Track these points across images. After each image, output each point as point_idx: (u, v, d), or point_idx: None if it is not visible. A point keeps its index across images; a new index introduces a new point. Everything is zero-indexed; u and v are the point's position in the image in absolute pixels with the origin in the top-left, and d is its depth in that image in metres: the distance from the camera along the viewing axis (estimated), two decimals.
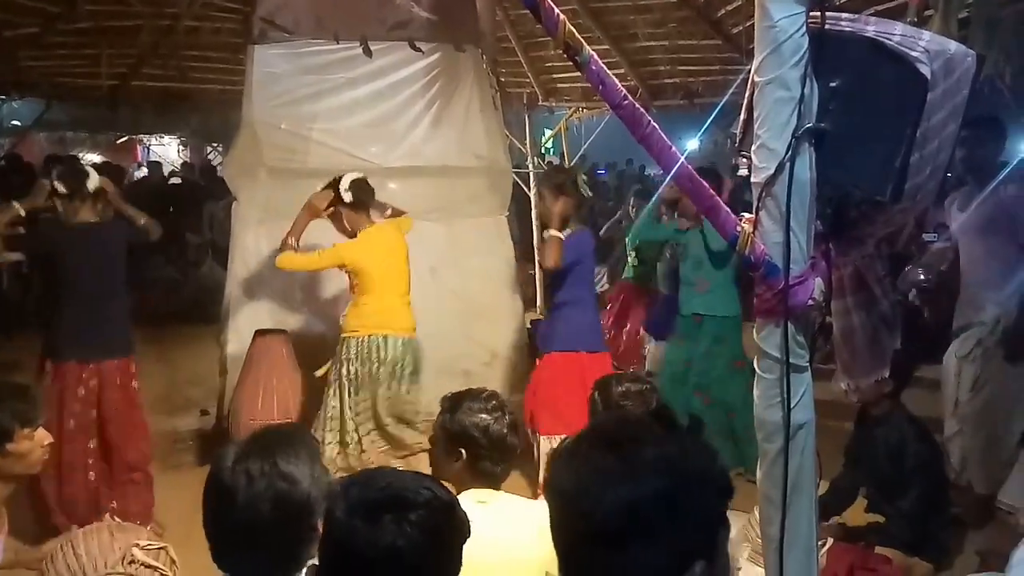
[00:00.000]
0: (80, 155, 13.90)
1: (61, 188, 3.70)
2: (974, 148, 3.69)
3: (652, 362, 5.64)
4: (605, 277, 8.66)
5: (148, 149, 15.68)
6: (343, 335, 4.27)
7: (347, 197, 4.18)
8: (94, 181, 3.77)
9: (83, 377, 3.70)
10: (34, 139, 12.05)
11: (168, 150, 15.75)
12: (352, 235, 4.28)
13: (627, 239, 5.86)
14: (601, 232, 7.11)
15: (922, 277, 4.86)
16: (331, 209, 4.23)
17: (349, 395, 4.23)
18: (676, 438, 1.05)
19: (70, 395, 3.68)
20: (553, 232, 4.06)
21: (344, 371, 4.23)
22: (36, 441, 2.26)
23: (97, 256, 3.78)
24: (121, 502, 3.83)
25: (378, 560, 1.15)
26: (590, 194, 4.35)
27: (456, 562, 1.26)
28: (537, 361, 4.42)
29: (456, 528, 1.25)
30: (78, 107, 9.58)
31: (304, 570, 1.44)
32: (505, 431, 2.13)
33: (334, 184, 4.23)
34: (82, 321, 3.74)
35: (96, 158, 13.82)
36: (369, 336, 4.22)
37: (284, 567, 1.48)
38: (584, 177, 4.32)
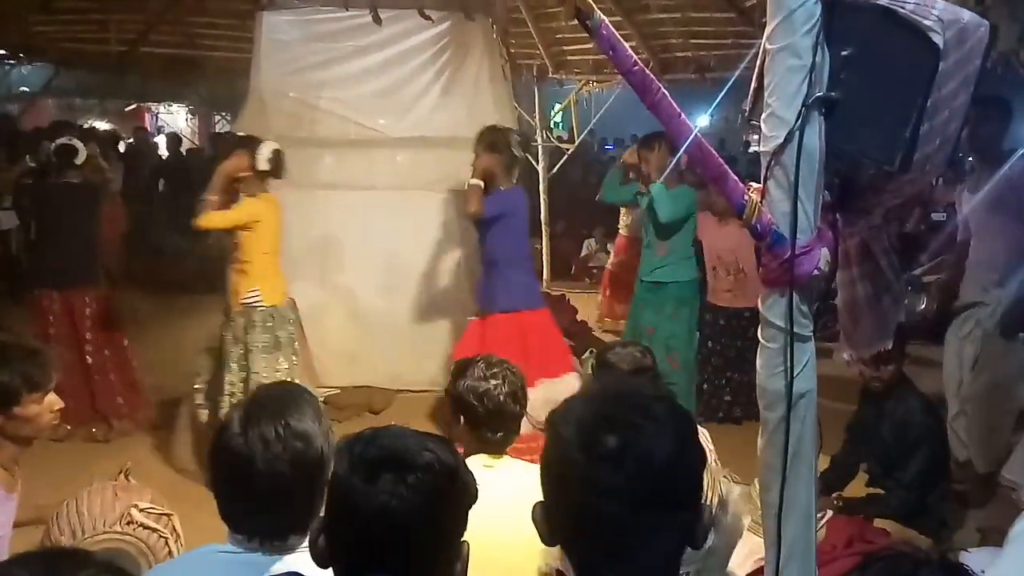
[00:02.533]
0: (88, 122, 13.90)
1: (53, 159, 4.81)
2: (978, 126, 3.63)
3: None
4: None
5: (156, 117, 15.65)
6: (246, 303, 4.07)
7: (265, 166, 4.10)
8: (81, 156, 4.80)
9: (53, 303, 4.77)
10: (43, 105, 12.03)
11: (176, 118, 15.70)
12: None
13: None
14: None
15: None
16: (245, 173, 4.11)
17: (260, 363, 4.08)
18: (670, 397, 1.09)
19: (44, 320, 4.75)
20: (472, 180, 4.20)
21: (252, 339, 4.06)
22: (45, 406, 2.24)
23: (67, 208, 4.84)
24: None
25: (373, 519, 1.14)
26: (522, 154, 4.43)
27: (458, 526, 1.24)
28: (473, 319, 4.46)
29: (458, 493, 1.23)
30: (87, 73, 9.55)
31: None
32: (502, 398, 2.13)
33: (251, 148, 4.13)
34: (51, 258, 4.83)
35: (104, 125, 13.82)
36: (279, 304, 4.16)
37: (302, 522, 1.49)
38: (517, 138, 4.40)
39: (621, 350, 2.67)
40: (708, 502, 1.93)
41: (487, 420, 2.13)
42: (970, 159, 4.12)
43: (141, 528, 2.05)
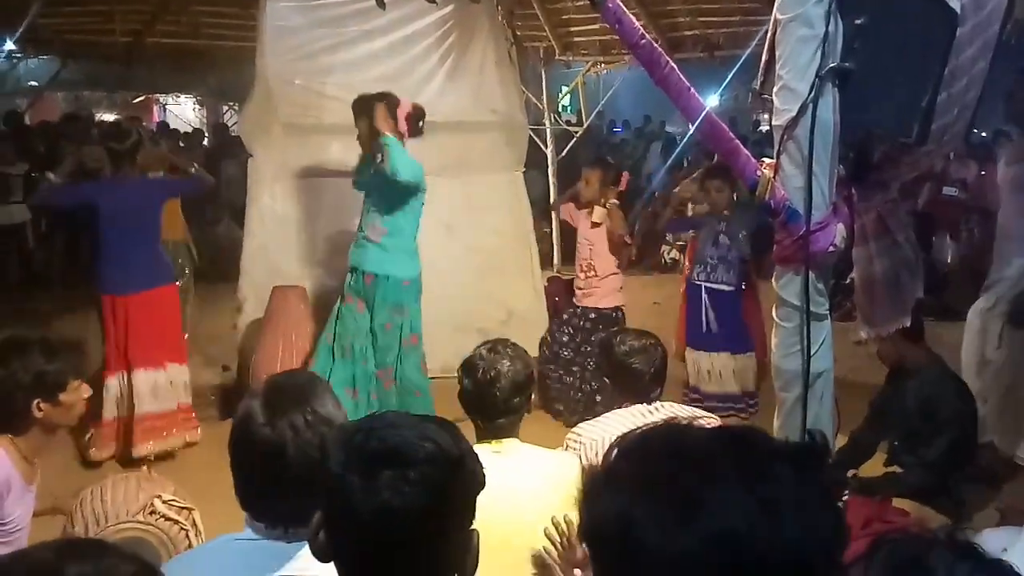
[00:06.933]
0: (97, 114, 13.92)
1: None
2: (1020, 95, 3.50)
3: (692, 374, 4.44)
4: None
5: (164, 108, 15.65)
6: None
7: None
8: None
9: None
10: (51, 98, 12.04)
11: (184, 109, 15.69)
12: None
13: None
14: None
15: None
16: None
17: None
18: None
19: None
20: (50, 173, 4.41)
21: None
22: (80, 393, 2.33)
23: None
24: None
25: (373, 518, 1.09)
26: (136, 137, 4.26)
27: (465, 517, 1.18)
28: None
29: (463, 483, 1.16)
30: (93, 65, 9.54)
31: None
32: (482, 381, 2.05)
33: None
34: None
35: (113, 117, 13.82)
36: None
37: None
38: (141, 130, 4.42)
39: (634, 343, 2.37)
40: None
41: (468, 398, 2.09)
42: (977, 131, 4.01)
43: (163, 519, 2.08)
